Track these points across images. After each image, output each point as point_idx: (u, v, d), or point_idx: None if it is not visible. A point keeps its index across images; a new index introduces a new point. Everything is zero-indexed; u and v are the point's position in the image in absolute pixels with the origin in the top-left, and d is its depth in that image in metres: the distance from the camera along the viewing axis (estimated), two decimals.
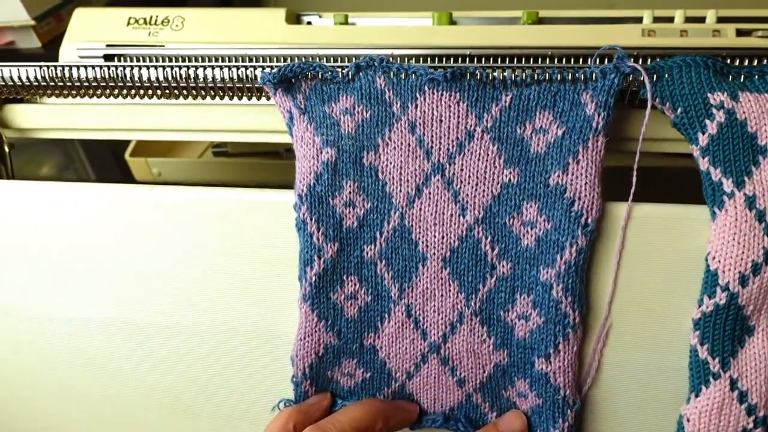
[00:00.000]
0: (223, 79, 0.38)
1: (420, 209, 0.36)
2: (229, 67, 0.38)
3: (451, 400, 0.40)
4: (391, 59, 0.35)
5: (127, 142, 0.73)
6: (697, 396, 0.35)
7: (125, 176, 0.73)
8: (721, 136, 0.32)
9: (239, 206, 0.39)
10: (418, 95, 0.35)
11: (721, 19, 0.42)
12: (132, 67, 0.39)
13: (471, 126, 0.35)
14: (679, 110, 0.33)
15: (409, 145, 0.36)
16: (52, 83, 0.40)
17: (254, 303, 0.41)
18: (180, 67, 0.39)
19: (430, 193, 0.36)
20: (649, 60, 0.36)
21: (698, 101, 0.33)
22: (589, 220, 0.34)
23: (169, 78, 0.39)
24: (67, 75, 0.40)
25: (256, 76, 0.38)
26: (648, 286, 0.36)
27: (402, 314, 0.38)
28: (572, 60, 0.41)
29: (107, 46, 0.46)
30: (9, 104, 0.45)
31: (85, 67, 0.40)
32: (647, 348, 0.37)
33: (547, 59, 0.40)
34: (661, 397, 0.38)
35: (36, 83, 0.40)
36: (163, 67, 0.39)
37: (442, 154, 0.36)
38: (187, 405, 0.45)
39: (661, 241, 0.35)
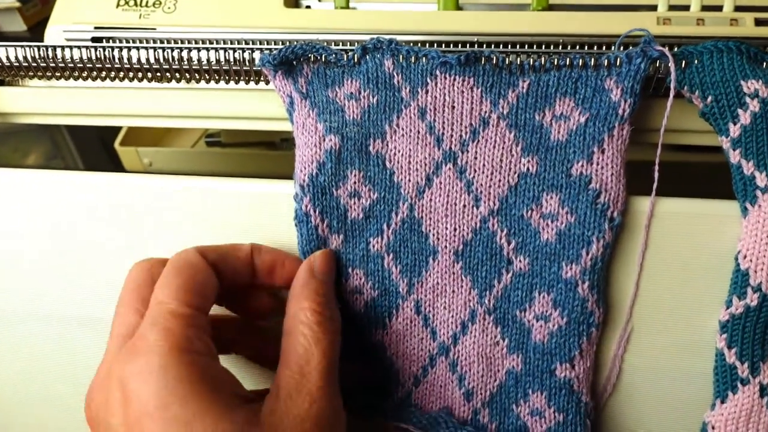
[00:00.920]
0: (218, 61, 0.36)
1: (430, 200, 0.34)
2: (225, 49, 0.36)
3: (456, 415, 0.37)
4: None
5: (116, 131, 0.72)
6: (723, 402, 0.33)
7: (115, 166, 0.72)
8: (755, 126, 0.30)
9: (233, 197, 0.37)
10: (429, 80, 0.33)
11: (739, 8, 0.40)
12: (122, 48, 0.37)
13: (486, 112, 0.33)
14: (709, 99, 0.31)
15: (419, 132, 0.34)
16: (35, 64, 0.38)
17: None
18: (172, 49, 0.37)
19: (441, 182, 0.34)
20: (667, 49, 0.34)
21: (731, 89, 0.31)
22: (615, 214, 0.32)
23: (161, 60, 0.37)
24: (50, 55, 0.37)
25: (253, 59, 0.36)
26: (670, 286, 0.34)
27: (411, 311, 0.36)
28: (585, 48, 0.39)
29: (95, 28, 0.44)
30: None
31: (71, 47, 0.37)
32: (668, 351, 0.35)
33: (560, 46, 0.39)
34: (683, 403, 0.36)
35: (17, 64, 0.38)
36: (155, 49, 0.37)
37: (455, 141, 0.33)
38: None
39: (686, 238, 0.33)
